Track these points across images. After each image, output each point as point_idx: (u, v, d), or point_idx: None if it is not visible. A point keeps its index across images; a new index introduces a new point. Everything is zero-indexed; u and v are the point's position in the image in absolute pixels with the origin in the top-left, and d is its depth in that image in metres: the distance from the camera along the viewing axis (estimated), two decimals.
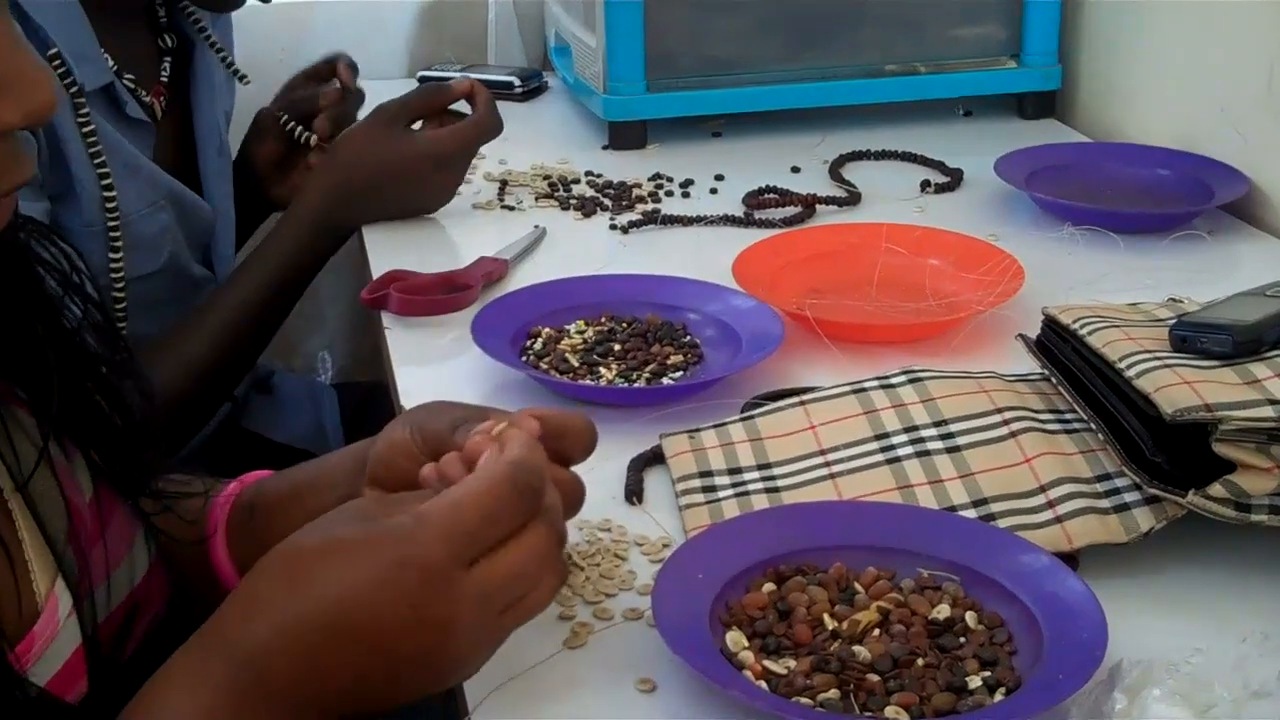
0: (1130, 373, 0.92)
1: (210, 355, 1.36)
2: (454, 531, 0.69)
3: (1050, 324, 1.03)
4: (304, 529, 0.71)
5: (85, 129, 1.28)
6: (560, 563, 0.73)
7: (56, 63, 1.27)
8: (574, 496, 0.82)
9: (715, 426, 1.03)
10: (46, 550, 0.77)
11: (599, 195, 1.54)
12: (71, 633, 0.77)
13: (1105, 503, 0.90)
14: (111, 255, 1.32)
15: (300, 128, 1.60)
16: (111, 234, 1.32)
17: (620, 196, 1.52)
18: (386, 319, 1.26)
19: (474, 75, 1.85)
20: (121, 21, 1.39)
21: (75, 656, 0.77)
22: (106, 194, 1.30)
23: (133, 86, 1.37)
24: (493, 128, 1.45)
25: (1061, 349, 1.01)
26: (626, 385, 1.12)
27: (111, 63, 1.34)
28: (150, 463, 0.87)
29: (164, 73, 1.44)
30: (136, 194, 1.34)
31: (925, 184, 1.56)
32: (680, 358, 1.15)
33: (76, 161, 1.28)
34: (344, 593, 0.68)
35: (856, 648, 0.79)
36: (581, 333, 1.18)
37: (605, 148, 1.69)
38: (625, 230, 1.45)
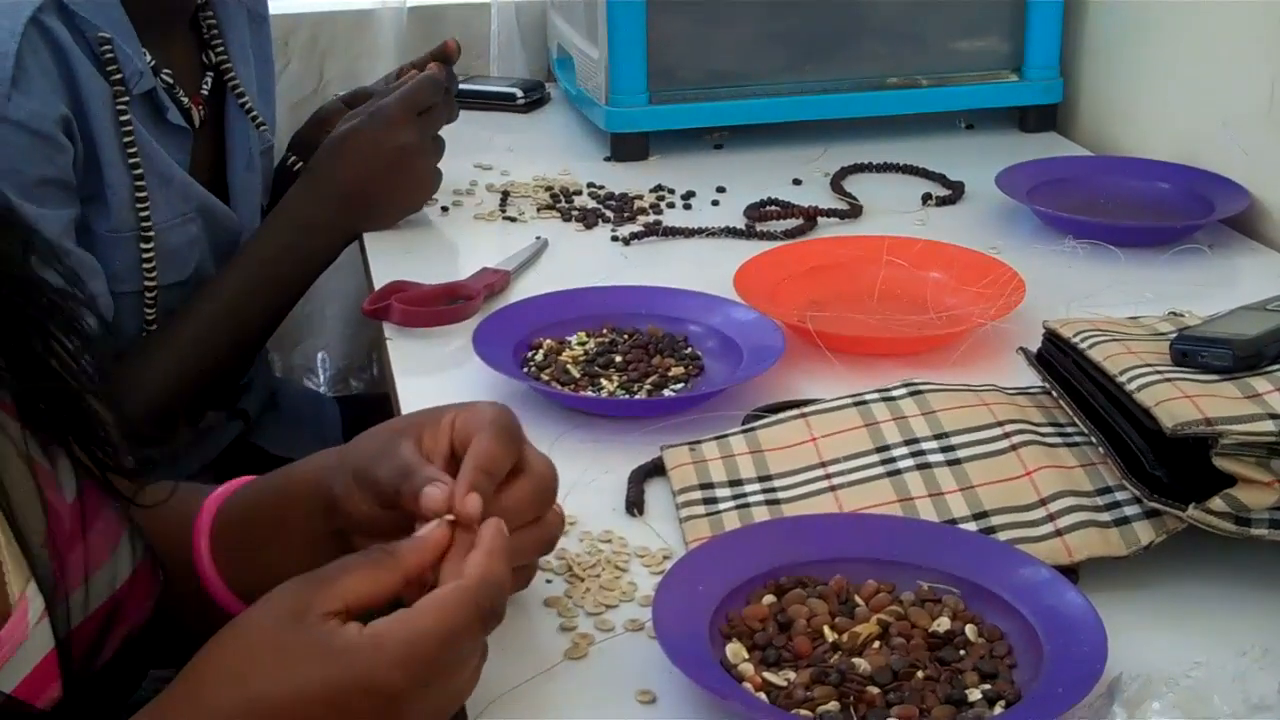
0: (1131, 386, 0.92)
1: (190, 350, 1.37)
2: (414, 658, 0.68)
3: (1051, 337, 1.03)
4: (257, 610, 0.71)
5: (126, 135, 1.30)
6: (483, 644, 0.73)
7: (112, 68, 1.28)
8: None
9: (716, 438, 1.03)
10: (20, 552, 0.75)
11: (601, 207, 1.54)
12: (43, 637, 0.75)
13: (1105, 516, 0.90)
14: (145, 263, 1.34)
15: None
16: (144, 242, 1.33)
17: (622, 208, 1.52)
18: (388, 329, 1.26)
19: (476, 87, 1.87)
20: (165, 29, 1.40)
21: (47, 661, 0.75)
22: (140, 202, 1.31)
23: (170, 83, 1.39)
24: (428, 81, 1.45)
25: (1062, 362, 1.01)
26: (627, 397, 1.12)
27: (152, 60, 1.35)
28: (139, 464, 0.86)
29: (205, 86, 1.45)
30: (167, 204, 1.36)
31: (926, 197, 1.56)
32: (681, 369, 1.15)
33: (111, 166, 1.30)
34: (296, 700, 0.68)
35: (856, 660, 0.80)
36: (583, 344, 1.19)
37: (607, 159, 1.70)
38: (627, 242, 1.45)
